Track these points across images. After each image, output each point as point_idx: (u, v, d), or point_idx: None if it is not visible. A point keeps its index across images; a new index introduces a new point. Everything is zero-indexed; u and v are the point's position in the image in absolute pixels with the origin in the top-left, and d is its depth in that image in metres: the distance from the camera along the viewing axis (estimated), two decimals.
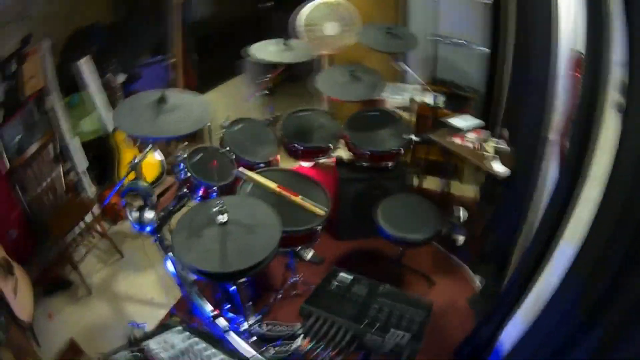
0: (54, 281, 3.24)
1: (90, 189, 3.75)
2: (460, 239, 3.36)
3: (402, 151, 3.16)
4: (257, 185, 2.60)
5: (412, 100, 3.45)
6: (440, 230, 2.72)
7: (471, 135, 3.09)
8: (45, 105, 3.28)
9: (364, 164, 3.18)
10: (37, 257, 3.21)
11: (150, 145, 2.26)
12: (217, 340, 1.53)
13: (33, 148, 3.03)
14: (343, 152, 3.36)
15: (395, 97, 3.89)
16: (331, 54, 3.91)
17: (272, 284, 3.18)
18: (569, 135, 2.07)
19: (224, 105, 4.80)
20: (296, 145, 3.14)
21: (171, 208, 2.56)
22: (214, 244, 1.81)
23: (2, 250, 2.81)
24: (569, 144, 2.07)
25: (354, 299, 1.88)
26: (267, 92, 3.33)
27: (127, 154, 3.70)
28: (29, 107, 3.11)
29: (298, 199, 2.54)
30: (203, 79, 4.65)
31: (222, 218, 1.84)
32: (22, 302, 2.79)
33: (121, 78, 3.52)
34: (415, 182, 3.81)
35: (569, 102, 2.23)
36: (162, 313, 2.98)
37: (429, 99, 3.33)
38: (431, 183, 3.92)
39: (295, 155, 3.21)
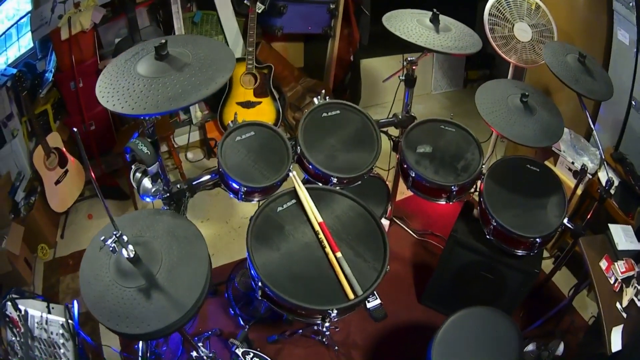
0: (111, 187, 3.15)
1: (195, 113, 3.49)
2: None
3: (540, 243, 2.04)
4: (299, 206, 1.80)
5: (584, 169, 2.23)
6: None
7: (620, 266, 1.94)
8: (160, 15, 3.04)
9: (487, 235, 2.15)
10: (102, 159, 3.12)
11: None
12: None
13: None
14: (475, 202, 2.33)
15: (567, 156, 2.63)
16: (518, 66, 2.76)
17: None
18: None
19: (376, 80, 4.02)
20: (410, 168, 2.19)
21: (194, 183, 2.01)
22: (106, 274, 1.21)
23: (60, 141, 2.73)
24: None
25: None
26: (402, 78, 2.40)
27: (239, 92, 3.28)
28: (135, 13, 2.91)
29: (333, 257, 1.63)
30: (371, 42, 3.92)
31: (127, 251, 1.19)
32: (60, 195, 2.80)
33: (259, 8, 2.99)
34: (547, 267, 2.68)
35: None
36: None
37: (603, 177, 2.08)
38: (562, 279, 2.78)
39: (406, 178, 2.28)
